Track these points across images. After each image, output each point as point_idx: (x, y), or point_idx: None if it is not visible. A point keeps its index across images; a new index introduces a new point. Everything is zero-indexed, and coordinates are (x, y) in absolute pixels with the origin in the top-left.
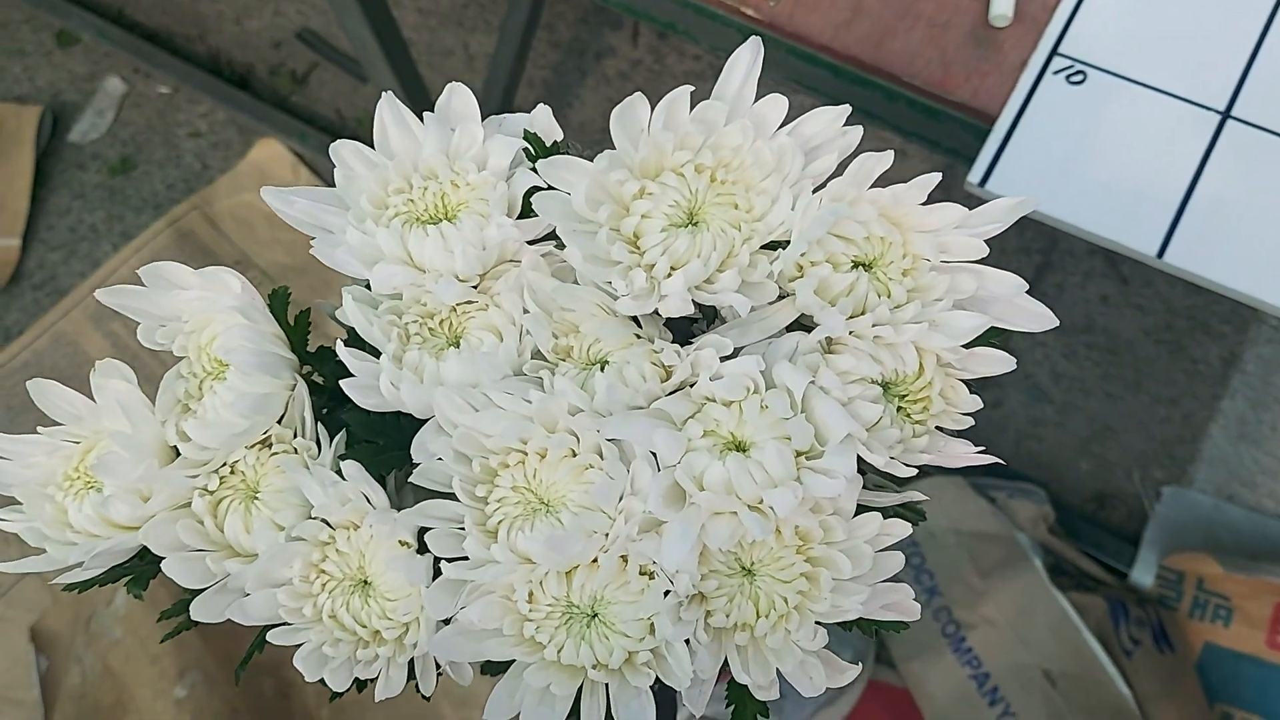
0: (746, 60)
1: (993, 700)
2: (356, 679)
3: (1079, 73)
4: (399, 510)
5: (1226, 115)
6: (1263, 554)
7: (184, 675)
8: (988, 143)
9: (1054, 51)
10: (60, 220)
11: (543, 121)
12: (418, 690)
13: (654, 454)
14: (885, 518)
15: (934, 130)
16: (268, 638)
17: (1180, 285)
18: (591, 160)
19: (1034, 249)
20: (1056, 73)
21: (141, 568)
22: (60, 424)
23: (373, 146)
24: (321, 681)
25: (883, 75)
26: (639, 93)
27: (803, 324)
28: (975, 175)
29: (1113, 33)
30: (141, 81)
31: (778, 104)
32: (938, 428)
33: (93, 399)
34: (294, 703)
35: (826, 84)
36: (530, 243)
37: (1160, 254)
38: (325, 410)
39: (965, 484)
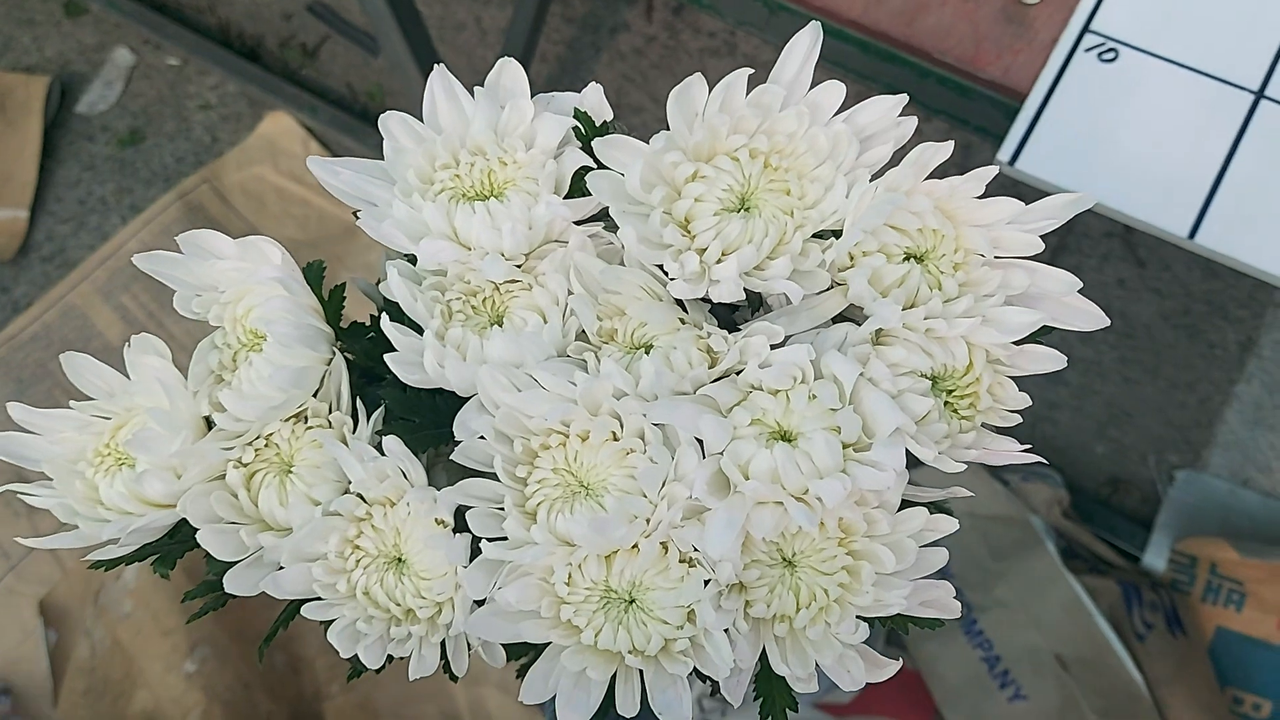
0: (805, 45)
1: (1004, 683)
2: (389, 656)
3: (1111, 50)
4: (433, 489)
5: (1260, 95)
6: (1277, 539)
7: (195, 649)
8: (1018, 121)
9: (1085, 29)
10: (69, 192)
11: (593, 100)
12: (445, 671)
13: (699, 440)
14: (930, 513)
15: (963, 108)
16: (303, 612)
17: (1198, 269)
18: (623, 132)
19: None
20: (1088, 50)
21: (170, 546)
22: (91, 398)
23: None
24: (355, 658)
25: (913, 52)
26: (698, 74)
27: (847, 316)
28: (1005, 153)
29: (1146, 10)
30: (151, 53)
31: (834, 91)
32: (984, 424)
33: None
34: (304, 677)
35: (855, 60)
36: (576, 223)
37: (1192, 235)
38: (354, 387)
39: (979, 467)
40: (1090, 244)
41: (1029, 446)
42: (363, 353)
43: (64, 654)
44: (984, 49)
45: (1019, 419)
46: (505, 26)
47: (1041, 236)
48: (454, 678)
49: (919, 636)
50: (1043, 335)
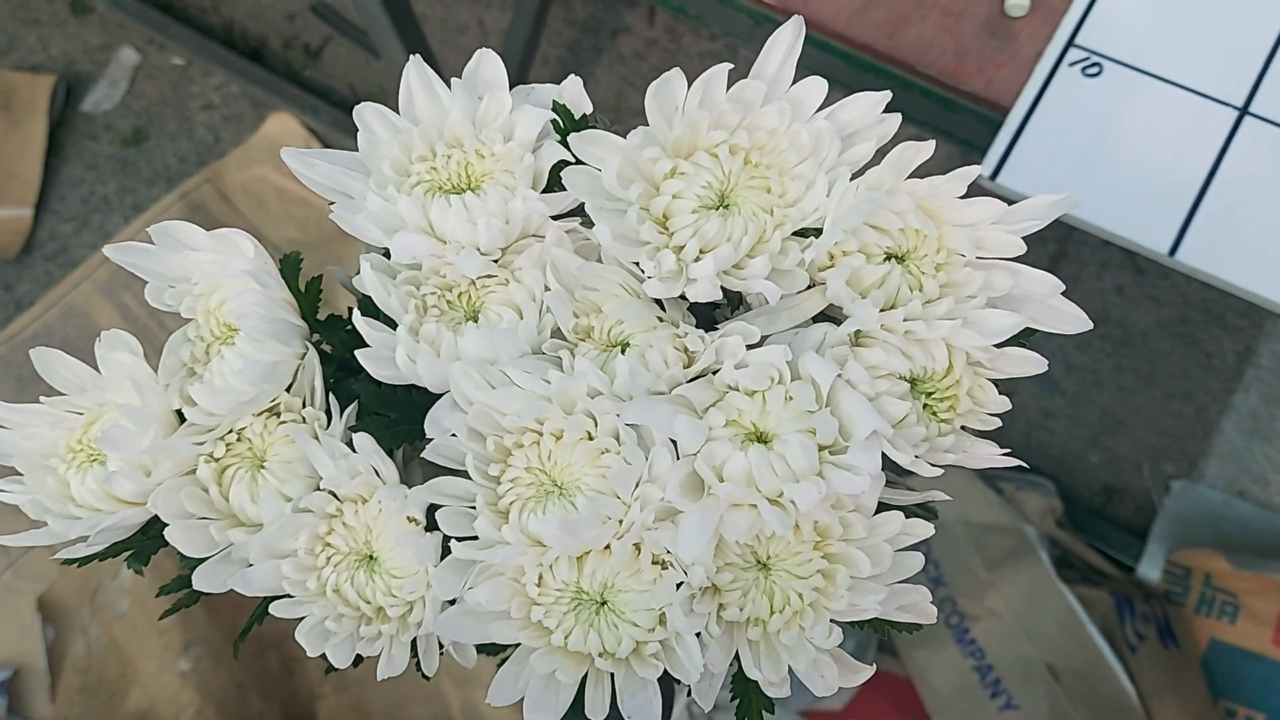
0: (787, 40)
1: (995, 692)
2: (358, 655)
3: (1095, 65)
4: (406, 486)
5: (1244, 111)
6: (1271, 551)
7: (189, 649)
8: (1000, 135)
9: (1070, 43)
10: (72, 191)
11: (572, 93)
12: (419, 669)
13: (673, 441)
14: (905, 517)
15: (946, 121)
16: (271, 609)
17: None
18: (621, 136)
19: (1049, 238)
20: (1072, 64)
21: (144, 543)
22: (63, 394)
23: None
24: (323, 656)
25: (896, 64)
26: (676, 68)
27: (828, 316)
28: (987, 168)
29: (1131, 25)
30: (155, 52)
31: (817, 86)
32: (963, 427)
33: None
34: (298, 678)
35: (838, 72)
36: (554, 218)
37: (1172, 252)
38: (332, 380)
39: (973, 475)
40: (1089, 251)
41: (1009, 450)
42: (341, 345)
43: (61, 651)
44: (966, 62)
45: (998, 422)
46: (506, 28)
47: (1040, 243)
48: (426, 676)
49: (910, 645)
50: (1026, 337)
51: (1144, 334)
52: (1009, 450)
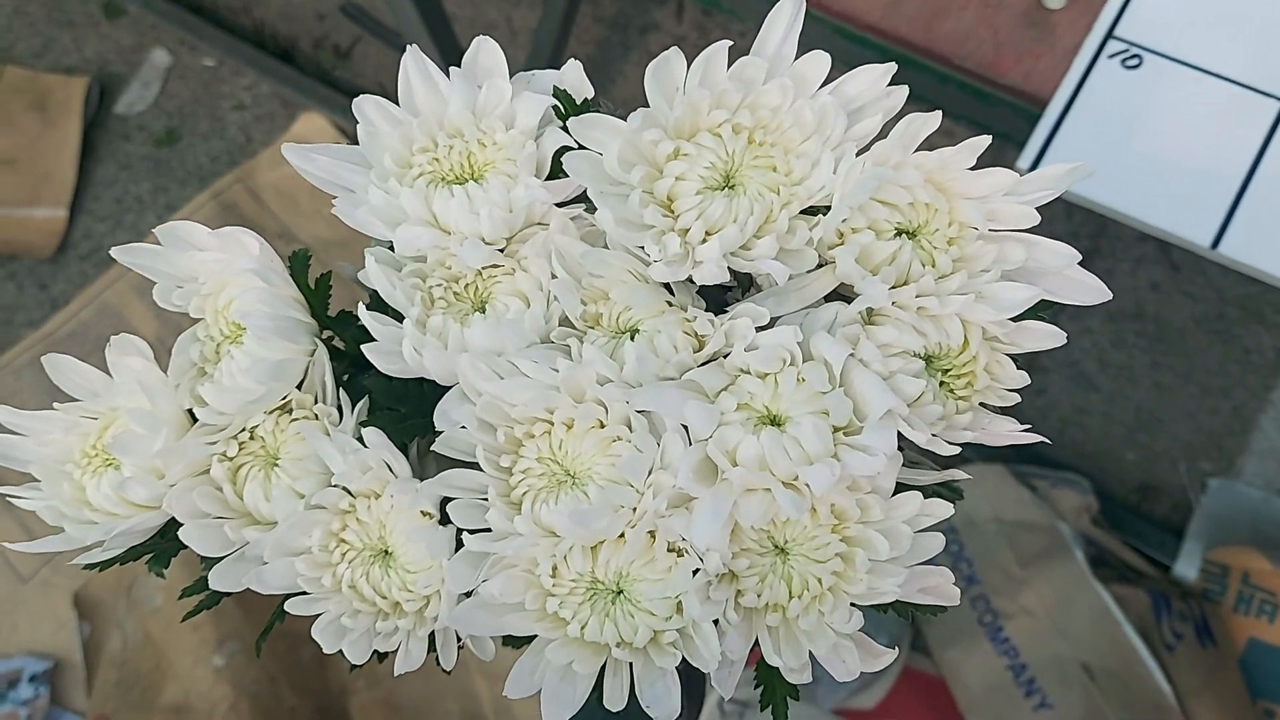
0: (787, 15)
1: (1029, 691)
2: (376, 651)
3: (1135, 56)
4: (421, 479)
5: None
6: None
7: (223, 644)
8: (1039, 127)
9: (1109, 34)
10: (106, 191)
11: (573, 78)
12: (438, 664)
13: (685, 427)
14: (925, 497)
15: (984, 114)
16: (286, 607)
17: (1233, 273)
18: (624, 120)
19: (1083, 233)
20: (1111, 56)
21: (163, 545)
22: (77, 399)
23: None
24: (340, 653)
25: (933, 57)
26: (675, 48)
27: (841, 294)
28: (1025, 160)
29: (1171, 15)
30: (187, 54)
31: (819, 61)
32: (982, 404)
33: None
34: (330, 673)
35: None
36: (559, 205)
37: (1214, 245)
38: (346, 376)
39: (1007, 472)
40: (1124, 247)
41: (1029, 426)
42: (354, 341)
43: (97, 645)
44: (1004, 54)
45: (1018, 398)
46: (535, 26)
47: (1074, 239)
48: (446, 671)
49: (944, 643)
50: (1044, 310)
51: (1180, 330)
52: (1044, 438)
